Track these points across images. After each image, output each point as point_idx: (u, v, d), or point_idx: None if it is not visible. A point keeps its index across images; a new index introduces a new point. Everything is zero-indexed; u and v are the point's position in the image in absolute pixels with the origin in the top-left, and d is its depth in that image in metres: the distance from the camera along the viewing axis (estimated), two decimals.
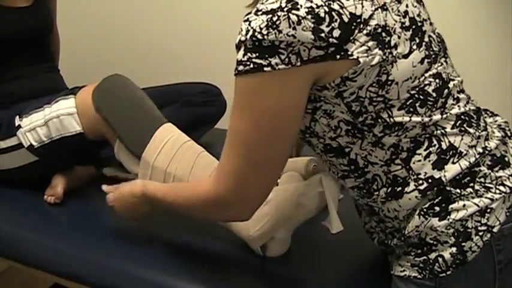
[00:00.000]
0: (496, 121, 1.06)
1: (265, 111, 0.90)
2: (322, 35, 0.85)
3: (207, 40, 2.24)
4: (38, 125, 1.47)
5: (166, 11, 2.30)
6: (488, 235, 0.94)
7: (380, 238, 1.09)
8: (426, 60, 0.97)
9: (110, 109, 1.37)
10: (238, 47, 0.90)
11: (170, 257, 1.25)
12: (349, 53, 0.87)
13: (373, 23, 0.89)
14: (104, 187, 1.29)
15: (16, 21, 1.63)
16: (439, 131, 0.96)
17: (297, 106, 0.92)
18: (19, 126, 1.49)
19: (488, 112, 1.09)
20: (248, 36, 0.88)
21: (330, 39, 0.86)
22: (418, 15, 0.99)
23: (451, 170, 0.96)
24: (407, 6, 0.98)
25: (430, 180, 0.96)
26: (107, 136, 1.41)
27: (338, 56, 0.87)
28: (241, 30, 0.89)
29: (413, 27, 0.97)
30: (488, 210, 0.95)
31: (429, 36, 1.00)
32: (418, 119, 0.95)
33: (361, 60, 0.88)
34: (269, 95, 0.89)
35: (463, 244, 0.94)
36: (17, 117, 1.51)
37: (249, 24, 0.88)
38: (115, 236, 1.35)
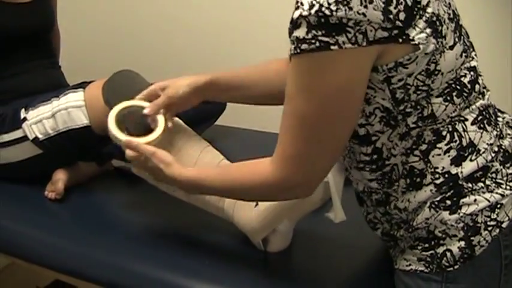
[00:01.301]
0: (504, 118, 1.06)
1: (332, 92, 0.88)
2: (391, 16, 0.84)
3: (208, 37, 2.23)
4: (45, 117, 1.47)
5: (167, 7, 2.29)
6: (497, 230, 0.95)
7: (384, 229, 1.08)
8: (464, 54, 0.97)
9: (119, 102, 1.36)
10: (297, 23, 0.85)
11: (170, 252, 1.25)
12: (411, 37, 0.86)
13: (429, 10, 0.88)
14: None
15: (17, 17, 1.63)
16: (460, 126, 0.96)
17: (362, 85, 0.90)
18: (25, 119, 1.49)
19: (497, 109, 1.09)
20: (313, 11, 0.82)
21: (396, 22, 0.84)
22: (456, 8, 1.00)
23: (468, 166, 0.96)
24: None
25: (446, 175, 0.96)
26: None
27: (400, 40, 0.86)
28: (302, 4, 0.84)
29: (455, 19, 0.97)
30: (499, 206, 0.95)
31: (463, 30, 1.01)
32: (453, 108, 0.95)
33: (421, 46, 0.87)
34: (335, 75, 0.87)
35: (471, 238, 0.95)
36: (23, 109, 1.51)
37: None
38: (116, 232, 1.35)
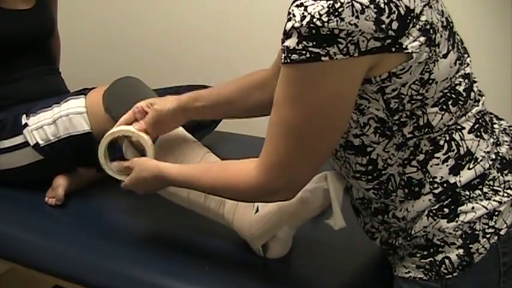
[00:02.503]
0: (501, 125, 1.07)
1: (321, 102, 0.88)
2: (383, 26, 0.83)
3: (208, 42, 2.24)
4: (46, 123, 1.48)
5: (167, 13, 2.30)
6: (495, 237, 0.95)
7: (383, 237, 1.08)
8: (458, 62, 0.97)
9: (119, 109, 1.37)
10: (288, 34, 0.85)
11: (170, 258, 1.25)
12: (404, 46, 0.86)
13: (423, 18, 0.88)
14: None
15: (17, 24, 1.63)
16: (457, 135, 0.97)
17: (352, 96, 0.90)
18: (26, 125, 1.50)
19: (493, 116, 1.09)
20: (304, 23, 0.83)
21: (389, 32, 0.84)
22: (449, 15, 1.00)
23: (466, 175, 0.96)
24: (441, 5, 0.98)
25: (445, 185, 0.96)
26: None
27: (393, 49, 0.86)
28: (294, 15, 0.84)
29: (448, 27, 0.97)
30: (496, 213, 0.95)
31: (457, 37, 1.01)
32: (449, 117, 0.95)
33: (414, 55, 0.87)
34: (325, 85, 0.87)
35: (470, 246, 0.95)
36: (24, 115, 1.52)
37: (305, 10, 0.83)
38: (115, 238, 1.35)
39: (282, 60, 0.87)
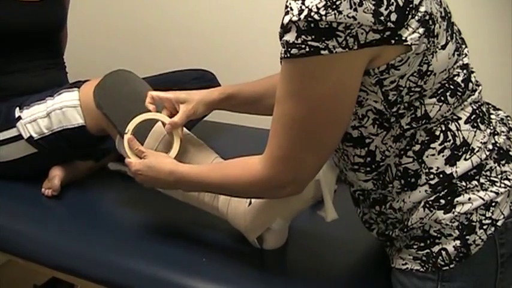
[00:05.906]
0: (498, 115, 1.06)
1: (322, 96, 0.88)
2: (381, 18, 0.82)
3: (207, 36, 2.23)
4: (40, 116, 1.47)
5: (167, 7, 2.29)
6: (492, 229, 0.94)
7: (380, 229, 1.08)
8: (456, 53, 0.97)
9: (110, 105, 1.36)
10: (287, 28, 0.85)
11: (167, 249, 1.25)
12: (403, 38, 0.85)
13: (422, 9, 0.87)
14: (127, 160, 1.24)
15: (28, 16, 1.61)
16: (453, 125, 0.96)
17: (354, 89, 0.90)
18: (19, 118, 1.49)
19: (490, 106, 1.09)
20: (302, 16, 0.82)
21: (388, 23, 0.83)
22: (447, 6, 0.99)
23: (463, 166, 0.95)
24: None
25: (441, 176, 0.95)
26: (108, 130, 1.41)
27: (393, 41, 0.85)
28: (291, 9, 0.84)
29: (446, 17, 0.96)
30: (493, 204, 0.95)
31: (455, 27, 1.00)
32: (447, 108, 0.94)
33: (413, 47, 0.86)
34: (326, 79, 0.86)
35: (467, 237, 0.94)
36: (17, 108, 1.51)
37: (303, 3, 0.82)
38: (112, 230, 1.35)
39: (282, 55, 0.87)
